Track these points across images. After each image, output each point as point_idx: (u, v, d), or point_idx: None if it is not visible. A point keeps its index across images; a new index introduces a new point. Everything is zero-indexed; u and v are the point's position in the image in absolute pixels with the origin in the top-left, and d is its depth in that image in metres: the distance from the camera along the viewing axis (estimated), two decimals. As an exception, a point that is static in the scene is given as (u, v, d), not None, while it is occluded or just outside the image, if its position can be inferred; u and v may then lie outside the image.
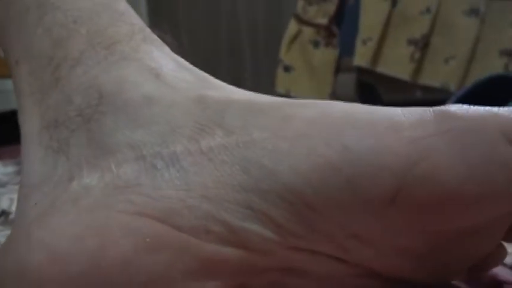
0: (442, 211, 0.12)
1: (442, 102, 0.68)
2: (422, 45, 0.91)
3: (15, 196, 0.33)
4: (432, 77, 0.91)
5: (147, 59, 0.17)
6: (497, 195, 0.11)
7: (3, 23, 0.19)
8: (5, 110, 0.85)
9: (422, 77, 0.92)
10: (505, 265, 0.18)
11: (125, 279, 0.12)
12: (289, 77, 1.05)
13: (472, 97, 0.60)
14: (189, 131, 0.14)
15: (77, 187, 0.14)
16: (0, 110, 0.89)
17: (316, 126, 0.13)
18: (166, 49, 0.18)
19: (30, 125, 0.17)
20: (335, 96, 1.03)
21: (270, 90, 1.19)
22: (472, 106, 0.12)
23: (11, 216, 0.29)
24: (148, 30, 0.19)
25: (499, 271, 0.17)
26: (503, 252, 0.15)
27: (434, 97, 0.94)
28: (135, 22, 0.18)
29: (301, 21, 1.02)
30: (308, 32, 1.02)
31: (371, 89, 1.03)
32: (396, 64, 0.93)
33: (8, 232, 0.28)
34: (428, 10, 0.89)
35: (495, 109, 0.12)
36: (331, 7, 0.98)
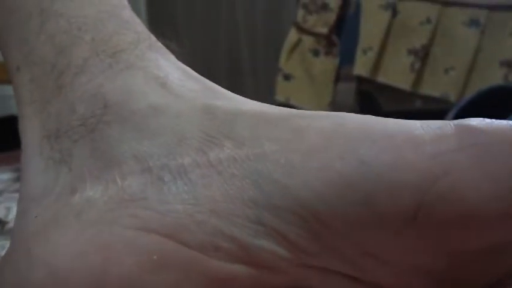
0: (464, 230, 0.11)
1: (443, 112, 0.68)
2: (423, 55, 0.91)
3: (12, 205, 0.33)
4: (432, 87, 0.91)
5: (152, 67, 0.16)
6: None
7: (4, 29, 0.19)
8: (3, 116, 0.84)
9: (422, 87, 0.92)
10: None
11: None
12: (289, 85, 1.05)
13: (473, 107, 0.60)
14: (196, 142, 0.14)
15: (80, 200, 0.13)
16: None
17: (330, 139, 0.13)
18: (172, 57, 0.18)
19: (30, 134, 0.16)
20: (335, 105, 1.03)
21: (268, 98, 1.19)
22: (494, 120, 0.12)
23: (8, 226, 0.29)
24: (153, 38, 0.18)
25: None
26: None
27: (434, 107, 0.94)
28: (140, 30, 0.18)
29: (301, 30, 1.03)
30: (308, 40, 1.02)
31: (371, 98, 1.03)
32: (396, 74, 0.93)
33: (4, 242, 0.27)
34: (428, 20, 0.90)
35: None
36: (332, 16, 0.99)
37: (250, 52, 1.65)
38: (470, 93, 0.85)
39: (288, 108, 0.15)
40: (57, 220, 0.13)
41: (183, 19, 1.66)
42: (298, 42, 1.04)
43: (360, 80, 1.00)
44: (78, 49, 0.16)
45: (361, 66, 0.95)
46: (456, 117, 0.59)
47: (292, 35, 1.04)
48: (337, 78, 1.02)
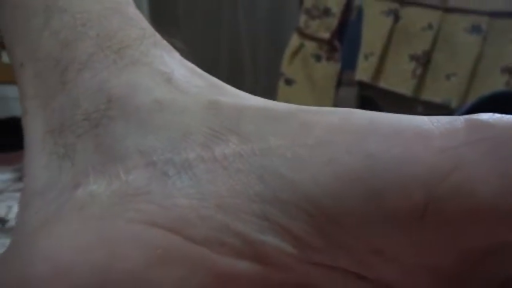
0: (474, 225, 0.11)
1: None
2: (424, 61, 0.91)
3: (13, 203, 0.33)
4: (433, 93, 0.91)
5: (157, 63, 0.16)
6: None
7: (8, 25, 0.19)
8: (4, 117, 0.84)
9: (424, 93, 0.93)
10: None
11: None
12: (291, 90, 1.05)
13: (476, 112, 0.60)
14: (202, 137, 0.14)
15: (83, 194, 0.13)
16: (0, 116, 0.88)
17: (337, 133, 0.12)
18: (177, 55, 0.18)
19: (33, 129, 0.16)
20: (336, 110, 1.03)
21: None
22: (504, 115, 0.12)
23: (8, 224, 0.28)
24: (158, 35, 0.18)
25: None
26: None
27: (435, 113, 0.94)
28: (144, 27, 0.18)
29: (304, 35, 1.03)
30: (310, 46, 1.02)
31: (372, 103, 1.03)
32: (398, 79, 0.93)
33: (5, 240, 0.27)
34: (430, 26, 0.90)
35: None
36: (334, 22, 0.99)
37: (252, 56, 1.65)
38: (472, 99, 0.85)
39: (293, 104, 0.15)
40: (60, 214, 0.13)
41: (185, 22, 1.66)
42: (300, 47, 1.04)
43: (361, 85, 1.01)
44: (83, 45, 0.16)
45: (362, 72, 0.95)
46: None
47: (295, 40, 1.04)
48: (339, 84, 1.02)
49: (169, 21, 1.61)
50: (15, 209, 0.31)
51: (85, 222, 0.12)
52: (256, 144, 0.13)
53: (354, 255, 0.12)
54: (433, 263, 0.12)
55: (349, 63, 0.98)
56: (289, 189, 0.12)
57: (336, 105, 1.03)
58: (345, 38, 1.00)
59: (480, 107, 0.61)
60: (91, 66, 0.16)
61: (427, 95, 0.92)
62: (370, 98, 1.02)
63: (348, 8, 0.99)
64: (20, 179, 0.44)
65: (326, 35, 1.00)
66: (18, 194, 0.38)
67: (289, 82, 1.05)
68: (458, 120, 0.12)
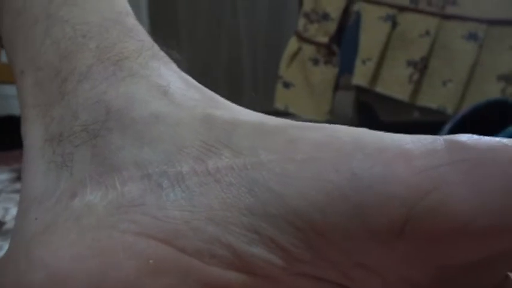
0: (452, 244, 0.12)
1: (440, 124, 0.68)
2: (421, 67, 0.92)
3: (10, 205, 0.33)
4: (430, 99, 0.92)
5: (155, 76, 0.16)
6: (510, 228, 0.11)
7: (10, 33, 0.19)
8: (2, 115, 0.84)
9: (420, 99, 0.93)
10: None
11: None
12: (289, 93, 1.06)
13: (469, 121, 0.61)
14: (195, 150, 0.14)
15: (80, 204, 0.14)
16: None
17: (324, 150, 0.13)
18: (174, 66, 0.18)
19: (33, 137, 0.17)
20: (333, 113, 1.04)
21: (267, 105, 1.19)
22: (482, 136, 0.12)
23: (6, 226, 0.29)
24: (156, 46, 0.19)
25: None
26: (510, 283, 0.15)
27: (431, 119, 0.95)
28: (143, 38, 0.18)
29: (302, 38, 1.04)
30: (308, 49, 1.03)
31: (369, 108, 1.03)
32: (395, 85, 0.93)
33: (2, 243, 0.27)
34: (427, 33, 0.91)
35: (505, 140, 0.12)
36: (332, 26, 1.00)
37: (251, 59, 1.65)
38: (467, 105, 0.86)
39: (285, 119, 0.15)
40: (56, 223, 0.13)
41: (185, 26, 1.66)
42: (298, 51, 1.04)
43: (358, 89, 1.01)
44: (82, 56, 0.17)
45: (360, 76, 0.96)
46: (452, 131, 0.59)
47: (293, 44, 1.05)
48: (336, 88, 1.03)
49: (169, 25, 1.62)
50: (12, 211, 0.31)
51: (82, 232, 0.13)
52: (248, 158, 0.13)
53: (339, 268, 0.13)
54: (412, 277, 0.13)
55: (346, 68, 0.99)
56: (277, 203, 0.13)
57: (333, 109, 1.03)
58: (342, 42, 1.00)
59: (475, 114, 0.61)
60: (90, 78, 0.16)
61: (423, 101, 0.93)
62: (367, 102, 1.03)
63: (346, 12, 0.99)
64: (17, 179, 0.45)
65: (324, 39, 1.01)
66: (15, 195, 0.39)
67: (287, 85, 1.06)
68: (439, 141, 0.12)
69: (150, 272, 0.12)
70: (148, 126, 0.15)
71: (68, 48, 0.17)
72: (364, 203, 0.12)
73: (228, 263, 0.13)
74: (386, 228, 0.12)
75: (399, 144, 0.12)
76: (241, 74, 1.69)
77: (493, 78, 0.88)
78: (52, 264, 0.12)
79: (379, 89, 0.95)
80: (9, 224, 0.29)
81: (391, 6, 0.93)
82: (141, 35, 0.19)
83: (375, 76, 0.95)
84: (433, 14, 0.91)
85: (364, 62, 0.95)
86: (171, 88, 0.16)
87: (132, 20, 0.19)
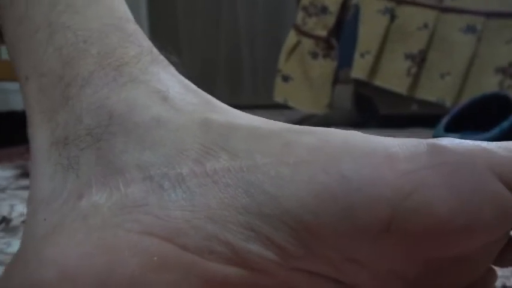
0: (433, 240, 0.12)
1: (438, 116, 0.69)
2: (420, 60, 0.92)
3: (15, 202, 0.34)
4: (428, 92, 0.93)
5: (154, 81, 0.17)
6: (485, 226, 0.12)
7: (13, 40, 0.20)
8: (3, 111, 0.85)
9: (419, 92, 0.94)
10: None
11: None
12: (288, 86, 1.06)
13: (467, 114, 0.62)
14: (194, 153, 0.15)
15: (86, 205, 0.14)
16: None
17: (315, 154, 0.14)
18: (173, 70, 0.19)
19: (39, 141, 0.17)
20: (332, 107, 1.04)
21: (267, 99, 1.20)
22: (463, 140, 0.13)
23: (12, 223, 0.30)
24: (155, 51, 0.19)
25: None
26: (494, 276, 0.16)
27: (430, 111, 0.95)
28: (143, 43, 0.19)
29: (301, 32, 1.04)
30: (307, 43, 1.03)
31: (368, 101, 1.04)
32: (393, 78, 0.94)
33: (9, 239, 0.28)
34: (426, 26, 0.91)
35: (484, 144, 0.13)
36: (331, 19, 1.00)
37: (250, 53, 1.65)
38: (465, 98, 0.86)
39: (280, 123, 0.16)
40: (64, 223, 0.14)
41: (184, 19, 1.66)
42: (297, 44, 1.05)
43: (357, 83, 1.02)
44: (85, 62, 0.17)
45: (358, 70, 0.96)
46: (450, 124, 0.60)
47: (292, 37, 1.05)
48: (335, 81, 1.03)
49: (168, 22, 1.61)
50: (18, 208, 0.32)
51: (88, 231, 0.14)
52: (244, 161, 0.14)
53: (331, 263, 0.14)
54: (399, 270, 0.14)
55: (345, 61, 0.99)
56: (272, 204, 0.13)
57: (332, 102, 1.04)
58: (341, 36, 1.00)
59: (472, 107, 0.62)
60: (92, 83, 0.17)
61: (422, 94, 0.93)
62: (366, 96, 1.03)
63: (344, 6, 0.99)
64: (21, 175, 0.46)
65: (323, 33, 1.01)
66: (20, 192, 0.40)
67: (286, 79, 1.06)
68: (422, 145, 0.13)
69: (154, 269, 0.13)
70: (149, 131, 0.15)
71: (70, 54, 0.18)
72: (353, 204, 0.13)
73: (227, 259, 0.14)
74: (374, 226, 0.13)
75: (386, 148, 0.13)
76: (241, 68, 1.69)
77: (491, 71, 0.88)
78: (61, 263, 0.13)
79: (378, 82, 0.96)
80: (16, 220, 0.30)
81: (389, -1, 0.93)
82: (141, 40, 0.19)
83: (374, 69, 0.95)
84: (431, 7, 0.91)
85: (362, 55, 0.95)
86: (170, 93, 0.17)
87: (132, 25, 0.20)
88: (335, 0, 0.99)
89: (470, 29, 0.88)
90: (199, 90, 0.18)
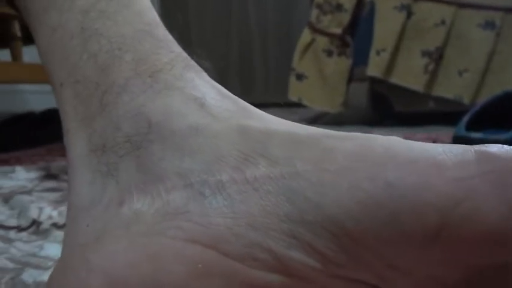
0: (480, 247, 0.12)
1: (456, 114, 0.68)
2: (437, 57, 0.91)
3: (43, 204, 0.34)
4: (445, 89, 0.91)
5: (189, 87, 0.17)
6: None
7: (47, 48, 0.20)
8: (23, 112, 0.86)
9: (436, 89, 0.92)
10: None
11: None
12: (302, 85, 1.06)
13: (488, 111, 0.61)
14: (233, 160, 0.15)
15: (128, 212, 0.15)
16: (18, 110, 0.90)
17: (357, 160, 0.14)
18: (206, 76, 0.19)
19: (76, 148, 0.17)
20: (347, 105, 1.04)
21: (278, 97, 1.19)
22: (511, 147, 0.13)
23: (42, 226, 0.30)
24: (187, 56, 0.19)
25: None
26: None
27: (447, 109, 0.94)
28: (174, 49, 0.19)
29: (315, 30, 1.03)
30: (322, 41, 1.02)
31: (383, 99, 1.03)
32: (410, 75, 0.93)
33: (41, 242, 0.29)
34: (443, 22, 0.90)
35: None
36: (346, 17, 0.99)
37: (262, 51, 1.65)
38: (484, 95, 0.85)
39: (317, 128, 0.16)
40: (108, 230, 0.15)
41: (195, 19, 1.66)
42: (311, 43, 1.04)
43: (372, 80, 1.01)
44: (120, 69, 0.18)
45: (374, 67, 0.95)
46: (471, 122, 0.59)
47: (306, 35, 1.05)
48: (350, 79, 1.03)
49: (179, 20, 1.61)
50: (46, 210, 0.33)
51: (133, 239, 0.14)
52: (284, 168, 0.14)
53: (372, 269, 0.14)
54: (442, 276, 0.14)
55: (360, 59, 0.99)
56: (314, 211, 0.13)
57: (347, 100, 1.03)
58: (356, 33, 1.00)
59: (493, 105, 0.61)
60: (129, 90, 0.17)
61: (439, 91, 0.92)
62: (382, 93, 1.02)
63: (360, 3, 0.98)
64: (45, 177, 0.46)
65: (338, 31, 1.00)
66: (47, 194, 0.40)
67: (300, 77, 1.06)
68: (470, 152, 0.13)
69: (199, 276, 0.13)
70: (187, 138, 0.16)
71: (105, 61, 0.18)
72: (400, 211, 0.13)
73: (269, 266, 0.14)
74: (421, 233, 0.12)
75: (431, 155, 0.13)
76: (253, 67, 1.69)
77: (510, 67, 0.86)
78: (109, 271, 0.13)
79: (394, 79, 0.95)
80: (45, 223, 0.30)
81: (405, -5, 0.92)
82: (172, 46, 0.19)
83: (390, 67, 0.94)
84: (448, 3, 0.89)
85: (378, 52, 0.94)
86: (206, 100, 0.17)
87: (162, 31, 0.20)
88: (350, -3, 0.98)
89: (489, 25, 0.87)
90: (234, 96, 0.18)
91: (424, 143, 0.14)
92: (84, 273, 0.13)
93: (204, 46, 1.61)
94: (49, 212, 0.33)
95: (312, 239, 0.14)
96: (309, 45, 1.05)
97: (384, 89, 1.00)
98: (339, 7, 0.99)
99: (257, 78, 1.65)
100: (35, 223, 0.30)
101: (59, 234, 0.29)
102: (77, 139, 0.18)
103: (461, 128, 0.56)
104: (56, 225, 0.30)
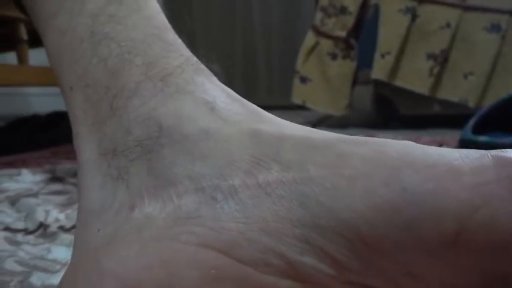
0: (499, 254, 0.12)
1: (461, 117, 0.67)
2: (442, 60, 0.91)
3: (49, 207, 0.34)
4: (451, 92, 0.91)
5: (199, 91, 0.17)
6: None
7: (56, 51, 0.20)
8: (27, 114, 0.87)
9: (441, 92, 0.92)
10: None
11: None
12: (306, 88, 1.06)
13: (494, 115, 0.60)
14: (245, 164, 0.15)
15: (140, 216, 0.15)
16: (23, 113, 0.90)
17: (372, 165, 0.14)
18: (215, 80, 0.19)
19: (86, 151, 0.17)
20: (351, 108, 1.04)
21: (282, 99, 1.19)
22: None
23: (50, 229, 0.30)
24: (197, 60, 0.19)
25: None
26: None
27: (452, 112, 0.94)
28: (184, 53, 0.19)
29: (319, 33, 1.03)
30: (326, 44, 1.02)
31: (388, 102, 1.03)
32: (415, 78, 0.93)
33: (48, 245, 0.29)
34: (448, 25, 0.90)
35: None
36: (350, 20, 0.99)
37: (266, 54, 1.65)
38: (489, 98, 0.85)
39: (330, 133, 0.16)
40: (120, 235, 0.14)
41: (199, 20, 1.67)
42: (315, 45, 1.04)
43: (377, 83, 1.01)
44: (130, 73, 0.18)
45: (379, 70, 0.95)
46: (477, 125, 0.58)
47: (310, 38, 1.05)
48: (355, 82, 1.02)
49: (183, 21, 1.62)
50: (53, 213, 0.33)
51: (145, 243, 0.14)
52: (297, 172, 0.14)
53: (386, 276, 0.14)
54: (457, 282, 0.13)
55: (365, 62, 0.98)
56: (328, 216, 0.13)
57: (351, 103, 1.03)
58: (361, 36, 1.00)
59: (500, 109, 0.61)
60: (140, 94, 0.17)
61: (444, 94, 0.92)
62: (386, 96, 1.02)
63: (364, 6, 0.98)
64: (51, 180, 0.46)
65: (342, 33, 1.00)
66: (53, 197, 0.40)
67: (304, 80, 1.06)
68: (487, 157, 0.13)
69: (211, 281, 0.13)
70: (198, 142, 0.15)
71: (115, 65, 0.18)
72: (416, 217, 0.12)
73: (282, 272, 0.13)
74: (437, 239, 0.12)
75: (448, 160, 0.13)
76: (256, 69, 1.69)
77: (516, 70, 0.86)
78: (122, 275, 0.13)
79: (399, 82, 0.94)
80: (52, 226, 0.30)
81: (410, -2, 0.92)
82: (181, 49, 0.19)
83: (394, 70, 0.94)
84: (453, 6, 0.89)
85: (383, 55, 0.94)
86: (217, 104, 0.17)
87: (171, 35, 0.20)
88: (354, 0, 0.98)
89: (495, 28, 0.86)
90: (244, 100, 0.18)
91: (439, 148, 0.14)
92: (95, 277, 0.13)
93: (209, 48, 1.61)
94: (56, 214, 0.33)
95: (325, 244, 0.13)
96: (313, 48, 1.05)
97: (388, 92, 1.00)
98: (343, 10, 0.99)
99: (261, 80, 1.65)
100: (42, 226, 0.30)
101: (66, 237, 0.29)
102: (87, 143, 0.18)
103: (467, 131, 0.55)
104: (63, 228, 0.30)
